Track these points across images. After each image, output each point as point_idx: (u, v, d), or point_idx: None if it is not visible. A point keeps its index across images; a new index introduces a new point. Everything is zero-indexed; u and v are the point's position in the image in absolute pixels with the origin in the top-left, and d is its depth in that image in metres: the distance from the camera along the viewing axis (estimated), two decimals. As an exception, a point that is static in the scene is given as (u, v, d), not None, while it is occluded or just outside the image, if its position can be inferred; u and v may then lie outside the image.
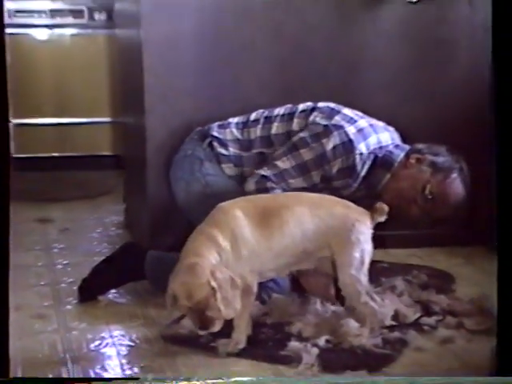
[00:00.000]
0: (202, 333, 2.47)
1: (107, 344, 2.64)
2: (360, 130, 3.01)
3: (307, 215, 2.64)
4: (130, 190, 4.03)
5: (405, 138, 3.18)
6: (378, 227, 2.79)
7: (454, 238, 3.61)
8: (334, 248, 2.67)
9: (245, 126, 3.17)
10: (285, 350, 2.55)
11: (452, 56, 3.62)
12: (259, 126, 3.14)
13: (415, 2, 3.44)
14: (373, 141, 3.04)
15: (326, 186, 3.01)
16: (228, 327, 2.54)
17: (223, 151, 3.14)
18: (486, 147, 3.56)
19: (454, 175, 2.99)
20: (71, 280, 3.20)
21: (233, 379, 2.23)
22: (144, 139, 3.39)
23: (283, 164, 3.01)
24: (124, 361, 2.52)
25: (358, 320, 2.66)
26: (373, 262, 3.02)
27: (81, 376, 2.40)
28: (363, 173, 3.02)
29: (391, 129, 3.18)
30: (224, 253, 2.51)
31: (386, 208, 2.74)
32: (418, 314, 2.82)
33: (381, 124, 3.14)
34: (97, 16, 5.26)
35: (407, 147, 3.10)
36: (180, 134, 3.26)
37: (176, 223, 3.24)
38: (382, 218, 2.75)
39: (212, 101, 3.31)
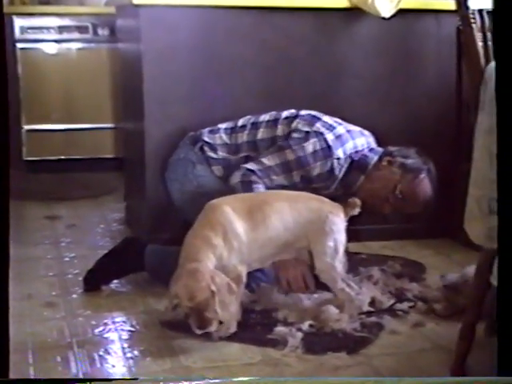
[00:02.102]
0: (199, 332, 2.43)
1: (110, 329, 2.63)
2: (338, 137, 3.01)
3: (287, 209, 2.65)
4: (130, 190, 4.01)
5: (380, 142, 3.18)
6: (354, 222, 2.79)
7: (423, 231, 3.62)
8: (310, 238, 2.68)
9: (233, 131, 3.15)
10: (272, 334, 2.54)
11: (421, 67, 3.62)
12: (246, 132, 3.12)
13: (388, 19, 3.43)
14: (349, 146, 3.03)
15: (305, 186, 2.99)
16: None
17: (213, 155, 3.12)
18: (452, 148, 3.60)
19: (423, 175, 3.00)
20: (77, 271, 3.18)
21: (233, 379, 2.21)
22: (143, 143, 3.38)
23: (268, 161, 2.99)
24: (125, 345, 2.51)
25: (338, 306, 2.66)
26: (352, 254, 3.04)
27: (86, 359, 2.38)
28: (340, 175, 3.02)
29: (367, 133, 3.17)
30: (218, 250, 2.52)
31: (358, 202, 2.75)
32: (392, 301, 2.81)
33: (357, 129, 3.13)
34: (100, 31, 5.24)
35: (380, 150, 3.10)
36: (175, 138, 3.25)
37: (172, 220, 3.23)
38: (355, 212, 2.75)
39: (205, 108, 3.30)
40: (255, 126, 3.13)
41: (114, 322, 2.69)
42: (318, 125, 3.02)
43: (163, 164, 3.24)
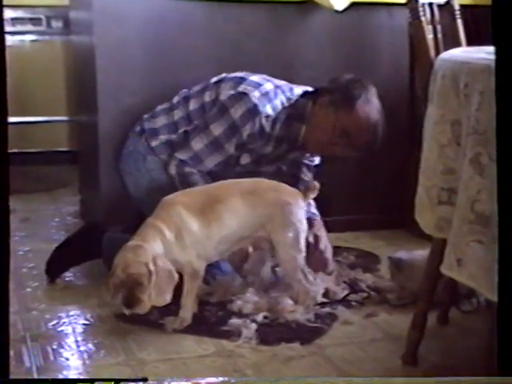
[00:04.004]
0: (126, 311, 2.42)
1: (64, 323, 2.61)
2: (265, 94, 2.92)
3: (240, 206, 2.63)
4: (85, 183, 3.99)
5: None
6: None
7: (377, 222, 3.65)
8: (269, 230, 2.67)
9: (170, 109, 3.09)
10: (226, 326, 2.55)
11: (375, 59, 3.66)
12: (180, 107, 3.07)
13: (341, 12, 3.45)
14: (281, 101, 2.95)
15: (241, 150, 2.95)
16: (176, 306, 2.53)
17: (156, 142, 3.05)
18: (406, 139, 3.63)
19: (359, 103, 2.88)
20: (32, 265, 3.16)
21: (235, 379, 2.22)
22: (96, 136, 3.36)
23: (197, 144, 2.93)
24: (79, 338, 2.50)
25: (292, 297, 2.67)
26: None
27: (39, 353, 2.37)
28: (276, 132, 2.95)
29: (300, 87, 3.07)
30: (168, 244, 2.50)
31: (317, 185, 2.75)
32: (346, 292, 2.84)
33: (290, 84, 3.06)
34: (54, 24, 5.20)
35: (313, 94, 3.01)
36: (129, 131, 3.23)
37: (127, 212, 3.22)
38: (314, 194, 2.76)
39: (158, 100, 3.27)
40: (187, 98, 3.07)
41: (68, 316, 2.67)
42: (243, 85, 2.94)
43: (117, 157, 3.22)
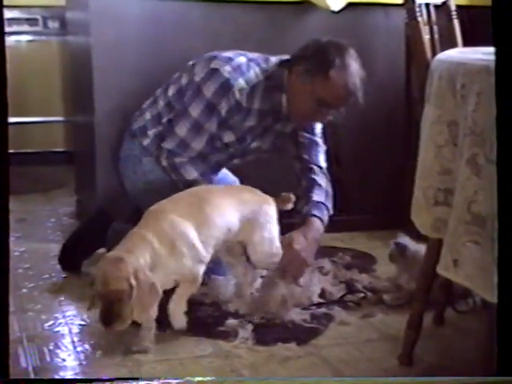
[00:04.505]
0: (105, 329, 2.26)
1: (60, 324, 2.61)
2: (237, 67, 2.85)
3: (224, 205, 2.58)
4: (81, 183, 3.99)
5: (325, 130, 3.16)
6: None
7: (373, 223, 3.65)
8: (246, 230, 2.64)
9: (154, 102, 3.04)
10: (223, 327, 2.55)
11: (371, 59, 3.64)
12: (161, 96, 3.02)
13: (337, 12, 3.45)
14: (255, 73, 2.88)
15: (223, 127, 2.89)
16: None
17: (146, 141, 3.00)
18: (402, 140, 3.64)
19: (333, 70, 2.78)
20: (27, 266, 3.16)
21: (234, 378, 2.22)
22: (93, 136, 3.36)
23: (181, 130, 2.88)
24: (76, 339, 2.50)
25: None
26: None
27: (36, 354, 2.37)
28: (257, 105, 2.89)
29: (278, 57, 2.99)
30: (158, 257, 2.35)
31: (292, 197, 2.75)
32: (342, 292, 2.84)
33: (266, 55, 2.98)
34: (50, 24, 5.19)
35: (289, 64, 2.91)
36: (125, 131, 3.22)
37: (123, 212, 3.22)
38: (288, 207, 2.75)
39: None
40: (167, 85, 3.02)
41: (64, 316, 2.67)
42: (214, 62, 2.88)
43: (114, 157, 3.22)
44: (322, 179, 3.01)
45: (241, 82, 2.83)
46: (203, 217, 2.51)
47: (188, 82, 2.92)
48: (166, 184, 2.92)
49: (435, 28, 2.40)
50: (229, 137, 2.93)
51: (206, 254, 2.51)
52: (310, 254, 2.83)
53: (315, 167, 3.03)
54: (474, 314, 2.63)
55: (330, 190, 3.01)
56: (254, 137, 2.99)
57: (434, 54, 2.26)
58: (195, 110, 2.86)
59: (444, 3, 2.52)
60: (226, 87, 2.82)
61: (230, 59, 2.88)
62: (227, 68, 2.84)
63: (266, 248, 2.67)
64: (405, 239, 2.89)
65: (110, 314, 2.23)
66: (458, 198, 1.90)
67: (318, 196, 2.95)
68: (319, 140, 3.09)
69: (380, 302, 2.79)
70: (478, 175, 1.83)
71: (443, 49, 2.31)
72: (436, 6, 2.46)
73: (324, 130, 3.12)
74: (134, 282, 2.23)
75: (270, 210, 2.69)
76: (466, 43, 2.50)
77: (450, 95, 1.96)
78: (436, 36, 2.39)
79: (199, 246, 2.46)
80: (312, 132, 3.07)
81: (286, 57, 2.95)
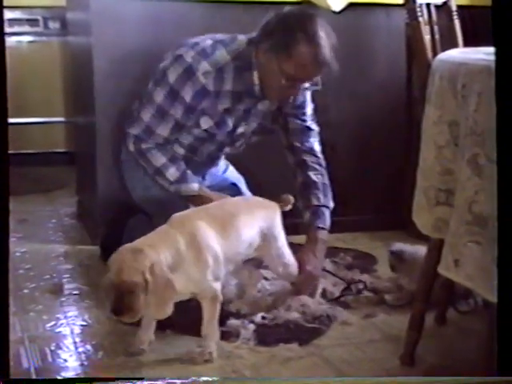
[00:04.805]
0: (114, 317, 2.22)
1: (62, 324, 2.61)
2: (201, 51, 2.81)
3: (249, 221, 2.55)
4: (82, 184, 3.99)
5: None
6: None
7: (375, 223, 3.66)
8: (264, 245, 2.63)
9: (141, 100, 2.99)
10: (225, 327, 2.54)
11: (372, 60, 3.66)
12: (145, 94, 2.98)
13: (338, 12, 3.45)
14: (221, 54, 2.83)
15: (191, 114, 2.85)
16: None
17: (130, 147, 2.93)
18: (403, 140, 3.64)
19: (296, 46, 2.70)
20: (28, 266, 3.16)
21: (236, 379, 2.22)
22: (94, 137, 3.37)
23: (145, 115, 2.86)
24: (77, 339, 2.50)
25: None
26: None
27: (37, 354, 2.37)
28: (228, 86, 2.85)
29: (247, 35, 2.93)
30: (181, 259, 2.28)
31: (291, 199, 2.73)
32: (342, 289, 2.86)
33: (234, 35, 2.92)
34: (51, 25, 5.19)
35: (255, 41, 2.85)
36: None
37: (124, 213, 3.22)
38: (288, 208, 2.73)
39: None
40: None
41: (66, 317, 2.67)
42: (180, 48, 2.85)
43: (114, 157, 3.23)
44: (316, 172, 2.99)
45: (205, 65, 2.79)
46: (230, 231, 2.46)
47: (156, 70, 2.90)
48: (163, 191, 2.89)
49: (436, 28, 2.40)
50: (206, 122, 2.89)
51: (225, 271, 2.46)
52: (321, 268, 2.87)
53: (309, 157, 3.01)
54: (475, 314, 2.63)
55: (326, 180, 2.99)
56: (237, 121, 2.95)
57: (435, 54, 2.26)
58: (159, 96, 2.84)
59: (445, 3, 2.52)
60: (189, 72, 2.79)
61: (195, 44, 2.84)
62: (191, 53, 2.81)
63: (283, 259, 2.67)
64: (398, 245, 2.89)
65: (121, 305, 2.17)
66: (459, 198, 1.90)
67: (316, 198, 2.94)
68: (311, 124, 3.06)
69: (381, 302, 2.79)
70: (478, 175, 1.84)
71: (444, 49, 2.32)
72: (437, 6, 2.46)
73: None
74: (149, 276, 2.16)
75: (279, 218, 2.67)
76: (467, 43, 2.50)
77: (451, 95, 1.96)
78: (437, 36, 2.39)
79: (222, 260, 2.40)
80: (302, 117, 3.03)
81: (254, 34, 2.89)
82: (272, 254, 2.66)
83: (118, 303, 2.17)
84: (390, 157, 3.49)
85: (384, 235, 3.57)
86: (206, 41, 2.86)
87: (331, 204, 2.96)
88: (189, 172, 2.86)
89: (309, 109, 3.05)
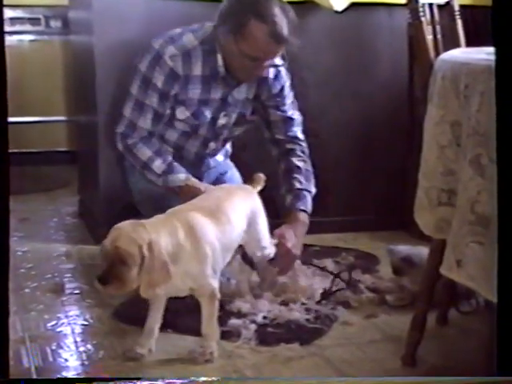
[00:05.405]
0: (97, 285, 2.11)
1: (63, 324, 2.62)
2: (169, 38, 2.83)
3: (237, 207, 2.55)
4: (84, 183, 3.99)
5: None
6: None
7: (376, 223, 3.66)
8: (249, 231, 2.62)
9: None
10: (226, 327, 2.53)
11: (374, 59, 3.66)
12: None
13: (341, 12, 3.45)
14: (188, 39, 2.84)
15: (166, 101, 2.84)
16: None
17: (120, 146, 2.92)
18: (405, 140, 3.64)
19: (251, 27, 2.70)
20: (30, 265, 3.16)
21: (238, 378, 2.22)
22: (96, 136, 3.37)
23: (126, 110, 2.87)
24: (78, 339, 2.50)
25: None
26: (306, 246, 3.04)
27: (38, 354, 2.37)
28: (196, 72, 2.84)
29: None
30: (181, 250, 2.25)
31: (262, 177, 2.73)
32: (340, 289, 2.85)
33: (204, 22, 2.93)
34: (53, 23, 5.19)
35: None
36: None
37: (126, 212, 3.22)
38: (260, 186, 2.73)
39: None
40: None
41: (67, 316, 2.67)
42: (152, 40, 2.86)
43: (116, 156, 3.22)
44: (299, 159, 3.00)
45: (171, 49, 2.81)
46: (223, 219, 2.45)
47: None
48: (157, 192, 2.87)
49: (438, 28, 2.41)
50: (183, 113, 2.89)
51: (222, 263, 2.45)
52: (299, 249, 2.86)
53: (292, 146, 3.02)
54: (477, 314, 2.63)
55: (309, 167, 2.99)
56: (215, 112, 2.93)
57: (438, 53, 2.27)
58: (134, 88, 2.86)
59: (447, 3, 2.52)
60: (156, 57, 2.81)
61: (165, 34, 2.87)
62: (159, 41, 2.83)
63: (262, 243, 2.67)
64: (402, 248, 2.89)
65: (110, 274, 2.10)
66: (462, 198, 1.90)
67: (298, 182, 2.95)
68: (292, 113, 3.05)
69: (383, 302, 2.79)
70: (481, 175, 1.83)
71: (446, 49, 2.32)
72: (439, 6, 2.47)
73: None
74: (146, 252, 2.11)
75: (258, 201, 2.67)
76: (470, 43, 2.50)
77: (454, 95, 1.96)
78: (439, 36, 2.39)
79: (219, 251, 2.39)
80: (282, 108, 3.02)
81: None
82: (253, 238, 2.65)
83: (106, 271, 2.10)
84: (392, 156, 3.49)
85: (386, 235, 3.57)
86: (176, 30, 2.89)
87: (313, 189, 2.97)
88: (176, 164, 2.85)
89: (288, 98, 3.04)
